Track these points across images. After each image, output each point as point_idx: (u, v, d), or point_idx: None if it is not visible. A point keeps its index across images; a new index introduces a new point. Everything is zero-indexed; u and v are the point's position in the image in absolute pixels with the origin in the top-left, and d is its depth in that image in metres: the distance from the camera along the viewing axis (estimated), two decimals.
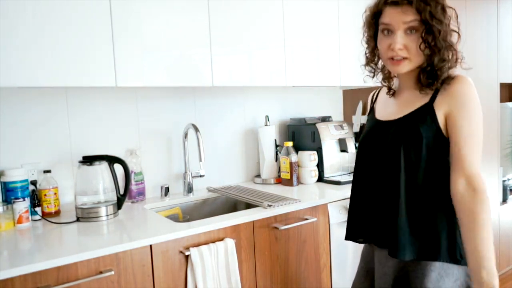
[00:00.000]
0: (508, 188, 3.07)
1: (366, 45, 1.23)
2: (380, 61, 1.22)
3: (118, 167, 1.66)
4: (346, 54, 2.19)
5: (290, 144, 2.16)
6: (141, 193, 1.88)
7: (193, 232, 1.42)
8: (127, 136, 1.91)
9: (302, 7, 2.03)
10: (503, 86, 3.16)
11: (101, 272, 1.24)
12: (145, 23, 1.61)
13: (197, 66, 1.75)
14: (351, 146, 2.23)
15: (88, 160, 1.61)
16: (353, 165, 1.32)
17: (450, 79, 1.10)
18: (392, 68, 1.14)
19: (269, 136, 2.24)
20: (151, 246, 1.33)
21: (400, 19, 1.06)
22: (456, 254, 1.09)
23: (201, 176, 2.06)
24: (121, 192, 1.67)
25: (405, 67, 1.11)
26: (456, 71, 1.14)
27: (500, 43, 2.83)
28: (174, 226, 1.46)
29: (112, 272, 1.25)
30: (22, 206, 1.51)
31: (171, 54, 1.67)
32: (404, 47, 1.08)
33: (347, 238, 1.30)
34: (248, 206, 1.78)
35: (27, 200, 1.54)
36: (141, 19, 1.60)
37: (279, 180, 2.19)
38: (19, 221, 1.50)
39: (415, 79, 1.15)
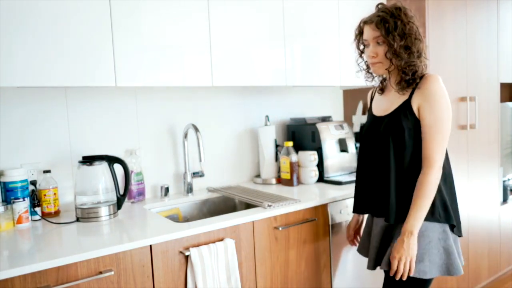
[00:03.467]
0: (508, 188, 3.07)
1: (359, 57, 1.55)
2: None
3: (118, 167, 1.65)
4: (346, 54, 2.18)
5: (290, 144, 2.16)
6: (141, 193, 1.88)
7: (193, 232, 1.42)
8: (127, 136, 1.90)
9: (302, 7, 2.03)
10: (503, 86, 3.16)
11: (100, 272, 1.24)
12: (145, 23, 1.61)
13: (197, 66, 1.75)
14: (351, 146, 2.23)
15: (88, 160, 1.61)
16: (353, 165, 1.51)
17: (422, 80, 1.39)
18: (372, 70, 1.48)
19: (269, 136, 2.23)
20: (151, 246, 1.33)
21: (371, 34, 1.40)
22: (435, 214, 1.37)
23: (201, 176, 2.06)
24: (121, 192, 1.67)
25: (379, 69, 1.44)
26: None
27: (500, 43, 2.83)
28: (174, 226, 1.46)
29: (112, 272, 1.25)
30: (21, 206, 1.50)
31: (171, 54, 1.67)
32: (376, 55, 1.40)
33: (355, 211, 1.63)
34: (248, 206, 1.78)
35: (27, 200, 1.54)
36: (141, 19, 1.59)
37: (279, 180, 2.19)
38: (19, 221, 1.50)
39: (395, 81, 1.44)
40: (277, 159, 2.24)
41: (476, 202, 2.72)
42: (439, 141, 1.35)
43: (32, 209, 1.58)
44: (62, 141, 1.74)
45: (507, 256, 3.01)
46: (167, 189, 1.94)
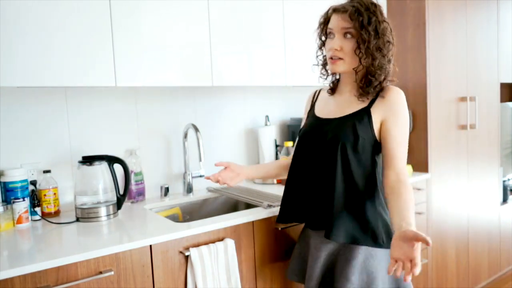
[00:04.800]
0: (508, 188, 3.07)
1: (319, 49, 1.39)
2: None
3: (118, 167, 1.65)
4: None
5: (290, 144, 2.16)
6: (141, 193, 1.88)
7: (193, 232, 1.41)
8: (127, 136, 1.90)
9: (302, 7, 2.03)
10: (503, 86, 3.16)
11: (100, 272, 1.24)
12: (145, 23, 1.60)
13: (197, 66, 1.75)
14: None
15: (88, 160, 1.61)
16: None
17: (385, 90, 1.28)
18: (330, 66, 1.30)
19: (269, 136, 2.23)
20: (150, 246, 1.33)
21: (339, 24, 1.24)
22: (379, 239, 1.25)
23: (201, 176, 2.06)
24: (121, 192, 1.66)
25: (340, 67, 1.27)
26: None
27: (500, 43, 2.83)
28: (174, 226, 1.46)
29: (112, 272, 1.25)
30: (21, 206, 1.50)
31: (171, 54, 1.67)
32: (341, 49, 1.24)
33: (279, 220, 1.45)
34: (248, 206, 1.78)
35: (27, 200, 1.54)
36: (141, 19, 1.59)
37: (280, 181, 2.19)
38: (19, 221, 1.50)
39: (354, 83, 1.31)
40: (277, 159, 2.24)
41: (476, 202, 2.72)
42: (405, 154, 1.28)
43: (32, 209, 1.58)
44: (62, 141, 1.74)
45: (507, 256, 3.01)
46: (167, 189, 1.94)
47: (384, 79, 1.27)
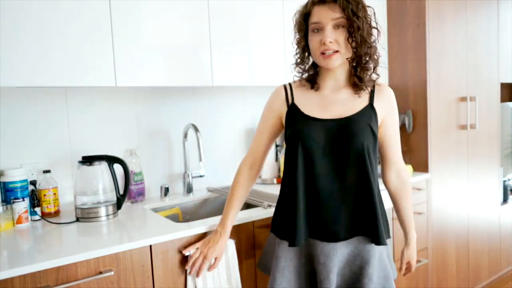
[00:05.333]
0: (508, 188, 3.07)
1: (296, 46, 1.30)
2: (308, 60, 1.30)
3: (117, 167, 1.65)
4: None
5: None
6: (141, 193, 1.88)
7: (193, 232, 1.41)
8: (127, 136, 1.90)
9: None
10: (503, 86, 3.16)
11: (100, 273, 1.24)
12: (145, 23, 1.60)
13: (197, 66, 1.74)
14: None
15: (88, 160, 1.61)
16: None
17: (381, 86, 1.28)
18: (324, 62, 1.19)
19: None
20: (150, 246, 1.33)
21: (328, 16, 1.15)
22: (388, 234, 1.32)
23: (201, 176, 2.05)
24: (121, 192, 1.66)
25: (337, 60, 1.18)
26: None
27: (500, 43, 2.83)
28: (174, 226, 1.46)
29: (112, 273, 1.25)
30: (21, 206, 1.50)
31: (171, 54, 1.67)
32: (335, 41, 1.16)
33: (294, 243, 1.22)
34: (248, 206, 1.78)
35: (27, 200, 1.54)
36: (141, 19, 1.59)
37: (280, 180, 2.19)
38: (19, 221, 1.50)
39: (343, 76, 1.25)
40: (277, 159, 2.24)
41: (476, 202, 2.72)
42: (401, 154, 1.36)
43: (32, 209, 1.58)
44: (62, 141, 1.74)
45: (507, 256, 3.01)
46: (167, 189, 1.94)
47: (375, 67, 1.24)
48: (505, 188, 3.02)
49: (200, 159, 1.85)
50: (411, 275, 2.25)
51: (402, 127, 2.44)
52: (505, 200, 3.02)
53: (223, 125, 2.19)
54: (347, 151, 1.20)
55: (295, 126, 1.25)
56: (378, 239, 1.21)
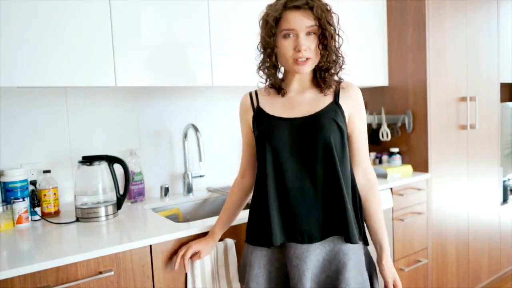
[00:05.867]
0: (508, 188, 3.07)
1: (263, 50, 1.24)
2: (278, 65, 1.26)
3: (117, 167, 1.65)
4: (345, 54, 2.18)
5: None
6: (141, 193, 1.88)
7: (193, 232, 1.41)
8: (127, 136, 1.90)
9: None
10: (503, 86, 3.16)
11: (100, 273, 1.24)
12: (145, 23, 1.60)
13: (197, 66, 1.75)
14: None
15: (88, 160, 1.61)
16: None
17: (346, 84, 1.26)
18: (297, 68, 1.19)
19: None
20: (150, 246, 1.33)
21: (303, 23, 1.14)
22: (366, 237, 1.28)
23: (201, 176, 2.05)
24: (121, 192, 1.66)
25: (309, 67, 1.19)
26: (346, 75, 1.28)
27: (500, 43, 2.83)
28: (174, 226, 1.46)
29: (112, 273, 1.25)
30: (21, 206, 1.50)
31: (171, 54, 1.67)
32: (308, 48, 1.16)
33: (268, 244, 1.22)
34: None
35: (27, 200, 1.54)
36: (141, 19, 1.59)
37: None
38: (19, 221, 1.50)
39: (308, 80, 1.26)
40: None
41: (476, 202, 2.72)
42: (368, 153, 1.31)
43: (32, 209, 1.58)
44: (62, 141, 1.74)
45: (507, 256, 3.01)
46: (167, 189, 1.94)
47: (341, 67, 1.24)
48: (505, 188, 3.02)
49: (200, 159, 1.85)
50: (411, 275, 2.25)
51: (402, 127, 2.45)
52: (505, 200, 3.02)
53: (223, 125, 2.19)
54: (314, 147, 1.18)
55: (262, 126, 1.25)
56: (349, 237, 1.18)
